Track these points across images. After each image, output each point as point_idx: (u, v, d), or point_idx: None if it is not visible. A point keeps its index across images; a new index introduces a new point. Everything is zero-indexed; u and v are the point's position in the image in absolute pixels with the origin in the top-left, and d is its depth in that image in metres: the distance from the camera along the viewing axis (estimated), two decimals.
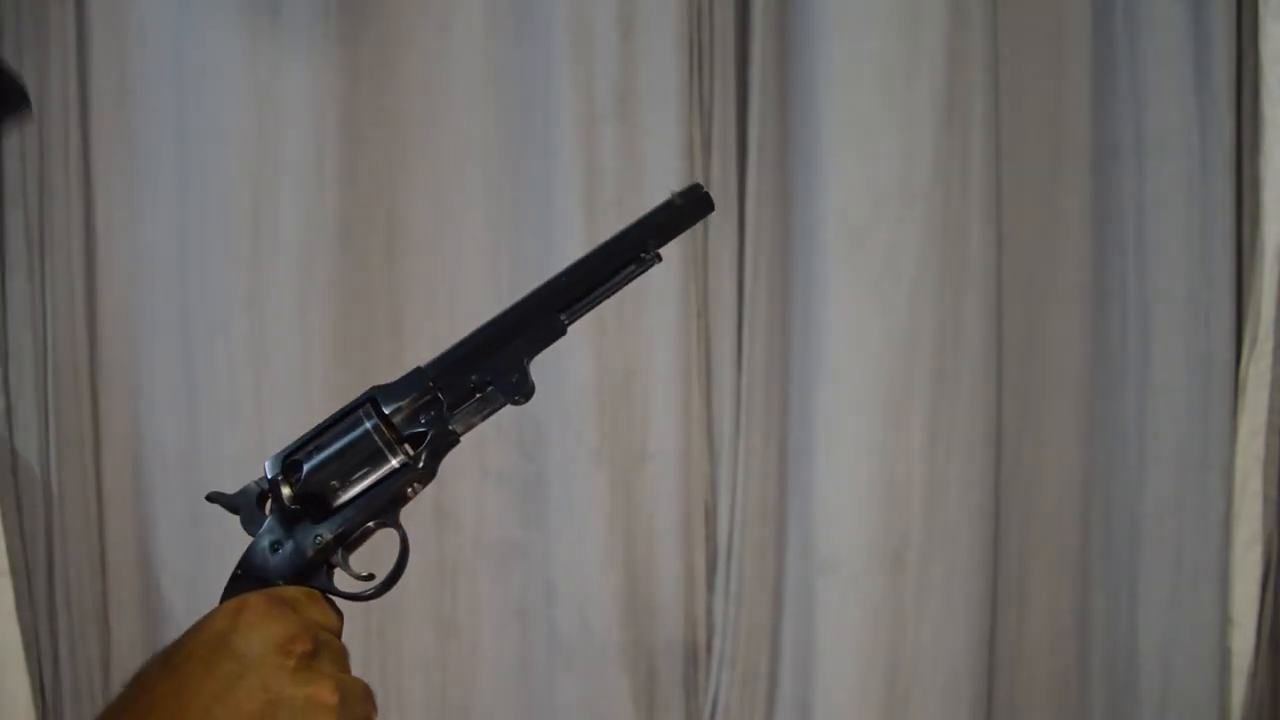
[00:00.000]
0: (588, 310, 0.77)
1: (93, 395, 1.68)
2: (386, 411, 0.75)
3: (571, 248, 1.59)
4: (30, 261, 1.64)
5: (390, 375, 1.76)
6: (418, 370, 0.77)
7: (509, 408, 0.77)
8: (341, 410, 0.76)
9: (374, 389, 0.76)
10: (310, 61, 1.57)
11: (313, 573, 0.74)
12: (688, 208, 0.78)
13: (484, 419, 0.76)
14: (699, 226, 1.62)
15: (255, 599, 0.61)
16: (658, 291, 1.62)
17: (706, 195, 0.78)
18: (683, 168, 1.59)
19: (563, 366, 1.60)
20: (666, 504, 1.65)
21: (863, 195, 1.56)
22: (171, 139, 1.62)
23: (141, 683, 0.58)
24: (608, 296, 0.78)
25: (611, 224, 1.59)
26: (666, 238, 0.78)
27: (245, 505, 0.76)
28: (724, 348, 1.65)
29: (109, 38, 1.64)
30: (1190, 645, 1.62)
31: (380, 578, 0.75)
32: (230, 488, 1.71)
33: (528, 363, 0.76)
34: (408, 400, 0.76)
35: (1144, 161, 1.61)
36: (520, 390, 0.76)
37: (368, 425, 0.74)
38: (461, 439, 0.76)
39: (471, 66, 1.62)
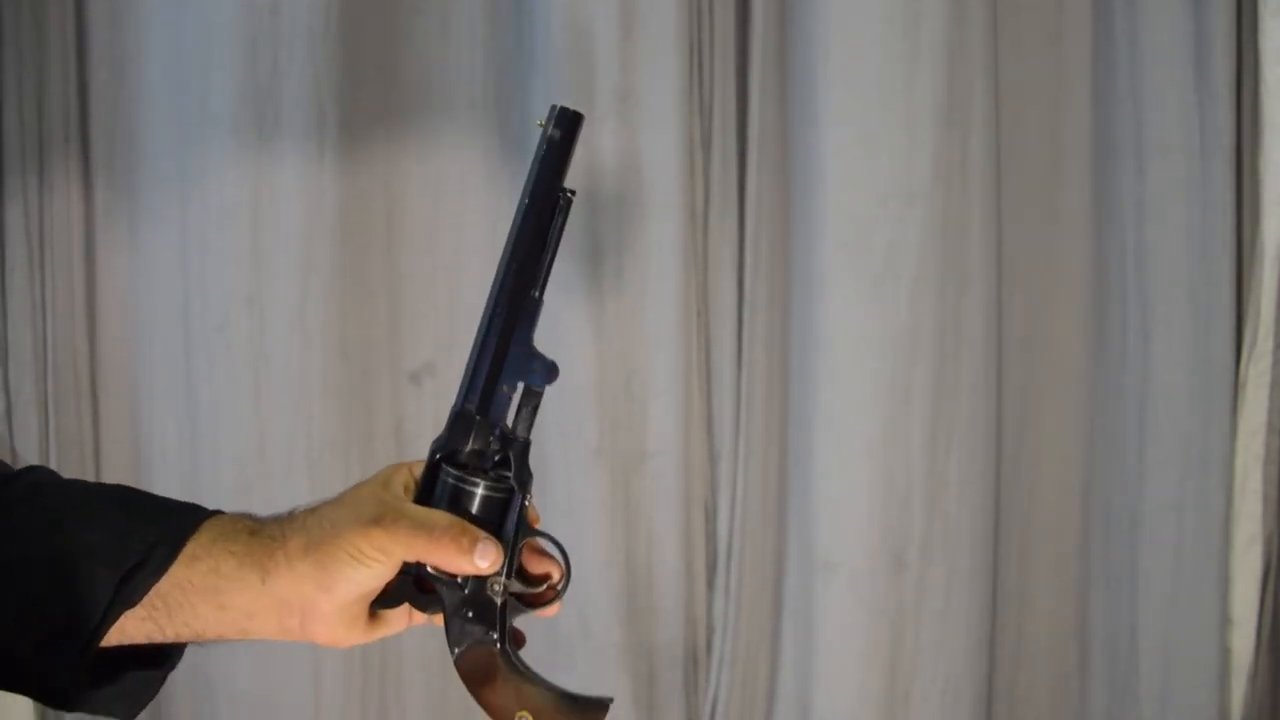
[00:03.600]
0: (549, 274, 0.81)
1: (93, 395, 1.68)
2: (461, 460, 0.80)
3: (570, 249, 1.59)
4: (30, 261, 1.64)
5: (389, 375, 1.76)
6: (457, 412, 0.81)
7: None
8: (426, 481, 0.80)
9: (435, 447, 0.80)
10: (310, 60, 1.57)
11: (508, 612, 0.80)
12: (565, 134, 0.81)
13: (535, 412, 0.83)
14: (698, 226, 1.62)
15: None
16: (658, 291, 1.62)
17: (574, 113, 0.81)
18: (683, 167, 1.59)
19: (563, 366, 1.59)
20: (666, 504, 1.65)
21: (863, 194, 1.56)
22: (171, 138, 1.62)
23: None
24: (556, 254, 0.81)
25: (611, 223, 1.60)
26: (563, 172, 0.81)
27: (406, 591, 0.80)
28: (724, 348, 1.65)
29: (109, 38, 1.64)
30: (1190, 645, 1.62)
31: (555, 581, 0.82)
32: (230, 487, 1.71)
33: (534, 347, 0.82)
34: (470, 440, 0.80)
35: (1144, 161, 1.61)
36: (546, 373, 0.82)
37: (470, 488, 0.79)
38: (531, 438, 0.82)
39: (472, 66, 1.62)
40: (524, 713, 0.79)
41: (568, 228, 0.82)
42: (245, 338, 1.61)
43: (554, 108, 0.81)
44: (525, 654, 0.82)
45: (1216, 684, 1.63)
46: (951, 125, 1.55)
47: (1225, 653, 1.63)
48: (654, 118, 1.58)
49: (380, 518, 0.75)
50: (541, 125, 0.81)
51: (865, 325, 1.57)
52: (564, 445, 1.62)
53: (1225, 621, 1.62)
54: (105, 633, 0.73)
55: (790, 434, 1.64)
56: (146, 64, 1.63)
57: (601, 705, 0.79)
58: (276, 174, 1.59)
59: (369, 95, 1.61)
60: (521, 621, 0.82)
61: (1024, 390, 1.67)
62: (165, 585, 0.74)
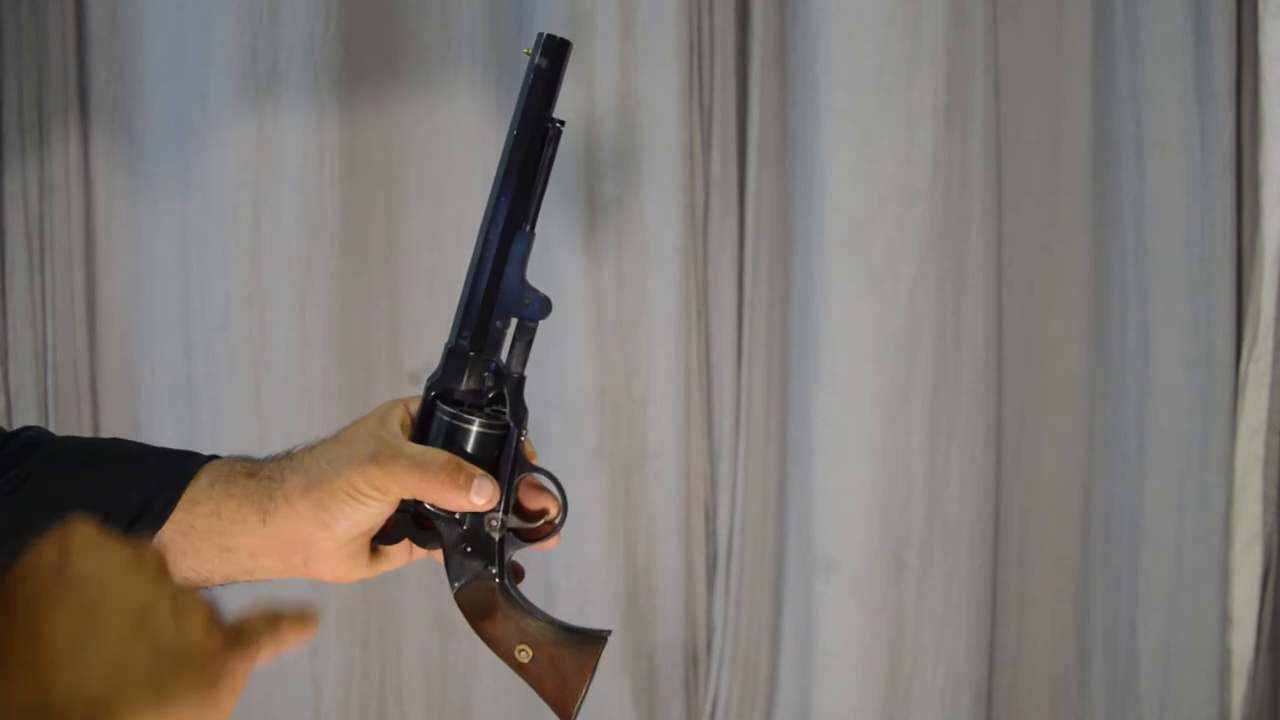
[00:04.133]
0: (540, 206, 0.80)
1: (93, 395, 1.68)
2: (456, 398, 0.80)
3: (571, 249, 1.59)
4: (30, 261, 1.64)
5: (389, 375, 1.76)
6: (451, 348, 0.80)
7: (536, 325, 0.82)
8: (422, 419, 0.79)
9: (430, 384, 0.80)
10: (310, 61, 1.57)
11: (506, 547, 0.80)
12: (552, 63, 0.79)
13: (529, 347, 0.81)
14: (698, 226, 1.62)
15: (77, 524, 0.58)
16: (658, 291, 1.62)
17: (561, 39, 0.79)
18: (683, 168, 1.59)
19: (563, 366, 1.60)
20: (666, 504, 1.65)
21: (863, 194, 1.56)
22: (171, 139, 1.62)
23: (30, 608, 0.54)
24: (546, 185, 0.80)
25: (611, 224, 1.60)
26: (552, 101, 0.80)
27: (405, 528, 0.80)
28: (724, 348, 1.65)
29: (109, 38, 1.64)
30: (1190, 645, 1.62)
31: (552, 516, 0.82)
32: None
33: (526, 281, 0.80)
34: (465, 377, 0.80)
35: (1144, 161, 1.61)
36: (539, 308, 0.80)
37: (466, 425, 0.79)
38: (526, 374, 0.81)
39: (471, 66, 1.62)
40: (524, 646, 0.79)
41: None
42: (245, 338, 1.61)
43: (541, 35, 0.80)
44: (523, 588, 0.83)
45: (1216, 684, 1.63)
46: (951, 125, 1.55)
47: (1225, 653, 1.63)
48: (654, 117, 1.58)
49: (377, 455, 0.75)
50: (528, 53, 0.79)
51: (865, 325, 1.57)
52: (564, 446, 1.62)
53: (1225, 621, 1.62)
54: None
55: (790, 434, 1.64)
56: (146, 64, 1.63)
57: (599, 638, 0.79)
58: (276, 174, 1.59)
59: (369, 96, 1.61)
60: (520, 557, 0.82)
61: (1024, 390, 1.67)
62: (169, 532, 0.74)
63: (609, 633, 0.80)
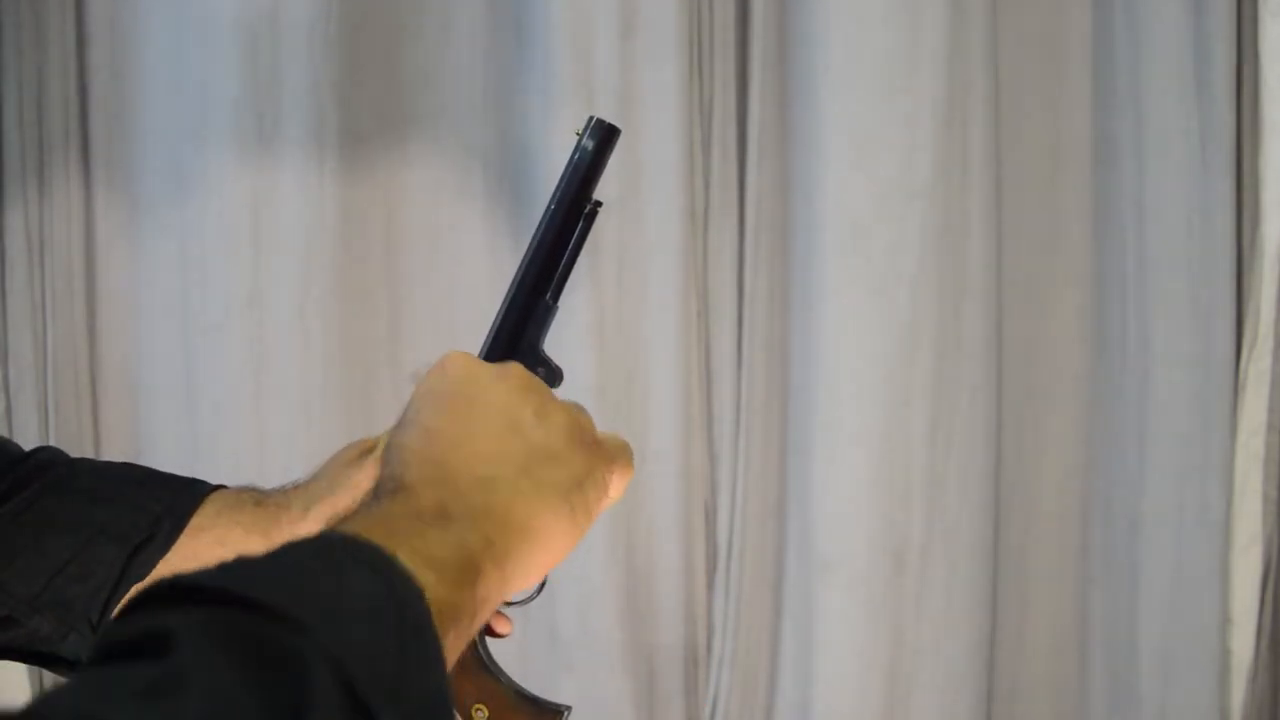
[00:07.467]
0: (566, 281, 0.82)
1: (93, 395, 1.68)
2: None
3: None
4: (30, 261, 1.64)
5: (389, 375, 1.76)
6: None
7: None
8: None
9: None
10: (310, 60, 1.57)
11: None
12: (599, 145, 0.81)
13: None
14: (698, 226, 1.62)
15: (452, 354, 0.68)
16: (658, 292, 1.62)
17: (610, 125, 0.81)
18: (683, 167, 1.59)
19: (563, 366, 1.59)
20: (666, 504, 1.65)
21: (863, 194, 1.56)
22: (171, 138, 1.62)
23: (420, 418, 0.64)
24: (575, 261, 0.82)
25: (610, 224, 1.60)
26: (593, 183, 0.81)
27: None
28: (724, 348, 1.65)
29: (109, 38, 1.64)
30: (1190, 645, 1.62)
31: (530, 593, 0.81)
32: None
33: (544, 351, 0.83)
34: None
35: (1144, 161, 1.61)
36: (549, 377, 0.82)
37: None
38: None
39: (472, 66, 1.62)
40: (480, 705, 0.79)
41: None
42: (245, 338, 1.61)
43: (590, 119, 0.81)
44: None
45: (1216, 684, 1.63)
46: (951, 124, 1.55)
47: (1225, 653, 1.63)
48: (654, 118, 1.58)
49: (362, 446, 0.80)
50: (578, 134, 0.81)
51: (865, 325, 1.57)
52: None
53: (1225, 621, 1.62)
54: (115, 608, 0.75)
55: (790, 434, 1.64)
56: (147, 65, 1.63)
57: (556, 710, 0.79)
58: (276, 174, 1.59)
59: (369, 95, 1.61)
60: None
61: (1024, 390, 1.67)
62: (173, 558, 0.76)
63: (568, 708, 0.80)
